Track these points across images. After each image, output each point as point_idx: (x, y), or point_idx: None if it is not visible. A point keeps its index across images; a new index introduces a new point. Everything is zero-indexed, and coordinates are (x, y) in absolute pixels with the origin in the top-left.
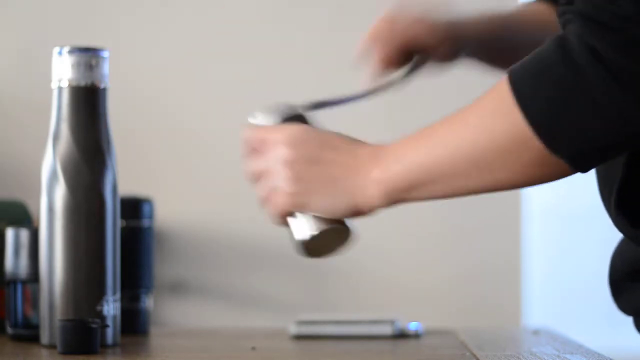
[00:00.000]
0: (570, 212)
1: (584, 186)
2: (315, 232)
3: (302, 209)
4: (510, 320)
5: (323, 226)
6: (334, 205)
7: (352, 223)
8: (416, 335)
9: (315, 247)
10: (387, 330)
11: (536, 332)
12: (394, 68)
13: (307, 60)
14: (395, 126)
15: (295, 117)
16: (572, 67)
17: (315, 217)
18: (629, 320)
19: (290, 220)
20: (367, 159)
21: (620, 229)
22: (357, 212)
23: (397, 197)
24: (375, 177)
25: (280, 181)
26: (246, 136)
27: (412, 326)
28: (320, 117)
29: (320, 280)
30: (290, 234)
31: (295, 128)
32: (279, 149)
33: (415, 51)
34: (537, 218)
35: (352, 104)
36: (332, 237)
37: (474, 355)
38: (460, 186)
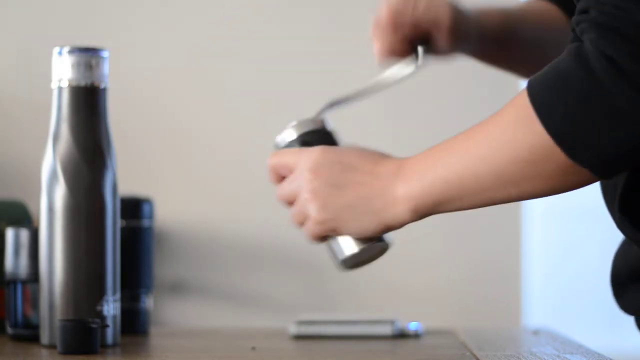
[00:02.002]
0: (570, 212)
1: None
2: (353, 251)
3: (334, 233)
4: (510, 320)
5: (359, 245)
6: (363, 227)
7: (387, 236)
8: (416, 335)
9: (354, 262)
10: (387, 330)
11: (536, 332)
12: (397, 58)
13: (307, 60)
14: (394, 129)
15: (313, 133)
16: (590, 77)
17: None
18: (629, 320)
19: (327, 241)
20: (390, 177)
21: (624, 232)
22: (387, 230)
23: (425, 212)
24: (402, 195)
25: (308, 209)
26: (270, 162)
27: (412, 326)
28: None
29: (320, 280)
30: (329, 251)
31: (314, 153)
32: (303, 177)
33: (418, 41)
34: (537, 218)
35: (365, 98)
36: (369, 251)
37: (474, 355)
38: (486, 199)
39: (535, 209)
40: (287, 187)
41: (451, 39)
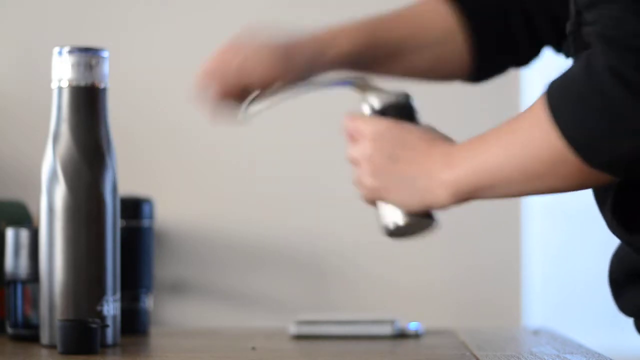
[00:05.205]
0: (570, 212)
1: None
2: (399, 224)
3: (381, 201)
4: (510, 320)
5: (406, 218)
6: (407, 202)
7: (435, 214)
8: (416, 335)
9: (399, 233)
10: (387, 330)
11: (536, 332)
12: (234, 102)
13: None
14: None
15: (393, 107)
16: (597, 88)
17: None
18: (629, 320)
19: (378, 205)
20: (439, 160)
21: (616, 234)
22: (428, 209)
23: (464, 197)
24: (445, 179)
25: (363, 173)
26: (346, 123)
27: (412, 326)
28: None
29: (320, 280)
30: (378, 216)
31: (381, 123)
32: (365, 143)
33: (252, 85)
34: (537, 217)
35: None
36: (415, 225)
37: (474, 355)
38: (517, 190)
39: (535, 208)
40: (353, 150)
41: (291, 77)
